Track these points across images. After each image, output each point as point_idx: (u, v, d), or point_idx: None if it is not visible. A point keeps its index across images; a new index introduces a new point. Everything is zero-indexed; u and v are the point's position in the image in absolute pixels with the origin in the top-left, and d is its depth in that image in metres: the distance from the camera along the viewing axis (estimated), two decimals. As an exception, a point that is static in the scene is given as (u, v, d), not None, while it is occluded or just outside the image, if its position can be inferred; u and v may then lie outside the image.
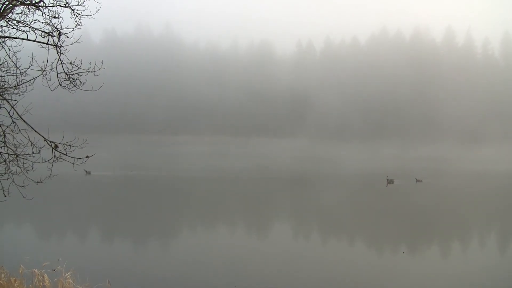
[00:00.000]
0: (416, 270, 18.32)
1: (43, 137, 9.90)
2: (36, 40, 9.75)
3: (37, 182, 10.52)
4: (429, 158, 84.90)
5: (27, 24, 9.73)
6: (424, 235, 25.30)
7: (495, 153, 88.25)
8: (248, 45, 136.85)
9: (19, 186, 10.32)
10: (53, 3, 9.61)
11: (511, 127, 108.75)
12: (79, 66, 9.90)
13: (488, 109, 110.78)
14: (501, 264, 19.87)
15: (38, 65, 9.79)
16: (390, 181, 47.78)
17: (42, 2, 9.60)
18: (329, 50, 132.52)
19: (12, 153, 10.19)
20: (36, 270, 12.11)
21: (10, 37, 9.90)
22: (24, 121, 9.92)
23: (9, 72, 10.15)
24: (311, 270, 17.80)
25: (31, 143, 10.00)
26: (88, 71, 9.99)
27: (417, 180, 49.52)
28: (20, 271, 12.33)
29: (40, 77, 9.92)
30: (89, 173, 44.28)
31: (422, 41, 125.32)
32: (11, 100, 10.01)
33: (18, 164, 10.21)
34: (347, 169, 57.43)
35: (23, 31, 9.78)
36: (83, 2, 9.71)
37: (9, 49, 10.04)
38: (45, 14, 9.69)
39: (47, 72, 9.88)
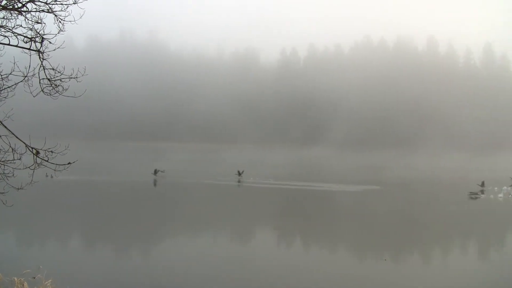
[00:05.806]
0: (399, 277, 18.46)
1: (24, 143, 9.82)
2: (18, 45, 9.70)
3: (18, 189, 10.43)
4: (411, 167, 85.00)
5: (9, 29, 9.67)
6: (406, 242, 25.49)
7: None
8: (233, 52, 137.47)
9: (-1, 192, 10.21)
10: (36, 8, 9.58)
11: (492, 134, 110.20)
12: (61, 72, 9.85)
13: (474, 116, 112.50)
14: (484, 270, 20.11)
15: (20, 71, 9.73)
16: None
17: (24, 7, 9.55)
18: (313, 58, 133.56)
19: (-7, 159, 10.08)
20: (16, 278, 11.95)
21: (-9, 42, 9.82)
22: (5, 126, 9.84)
23: (-10, 78, 10.06)
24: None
25: (12, 149, 9.91)
26: (71, 77, 9.95)
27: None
28: (-1, 279, 12.16)
29: (22, 83, 9.85)
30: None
31: (405, 50, 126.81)
32: (-8, 105, 9.93)
33: (-2, 170, 10.11)
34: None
35: (5, 36, 9.72)
36: (67, 8, 9.69)
37: (-10, 54, 9.96)
38: (28, 19, 9.66)
39: (29, 78, 9.82)
